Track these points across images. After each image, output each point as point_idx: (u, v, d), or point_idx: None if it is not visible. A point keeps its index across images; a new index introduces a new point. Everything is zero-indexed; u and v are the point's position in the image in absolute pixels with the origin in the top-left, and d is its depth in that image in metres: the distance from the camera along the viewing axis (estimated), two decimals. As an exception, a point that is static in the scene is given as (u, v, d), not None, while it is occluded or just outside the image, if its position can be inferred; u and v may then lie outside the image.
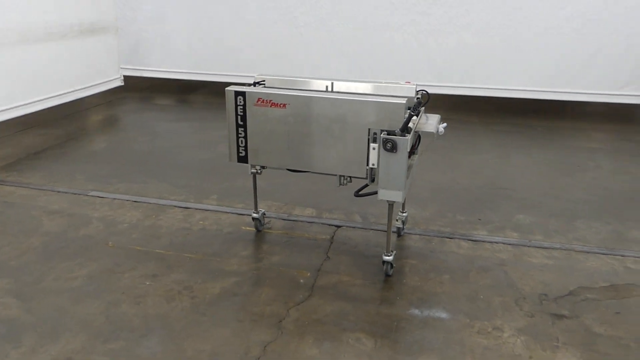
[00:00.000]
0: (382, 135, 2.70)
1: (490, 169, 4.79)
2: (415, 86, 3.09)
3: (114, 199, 4.02)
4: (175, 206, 3.92)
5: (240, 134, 3.03)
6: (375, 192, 2.95)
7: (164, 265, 3.10)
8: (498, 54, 6.16)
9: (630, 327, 2.57)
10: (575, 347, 2.43)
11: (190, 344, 2.45)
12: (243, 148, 3.06)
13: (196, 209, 3.88)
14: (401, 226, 3.49)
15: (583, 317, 2.65)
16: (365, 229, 3.60)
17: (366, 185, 3.01)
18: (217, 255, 3.24)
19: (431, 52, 6.34)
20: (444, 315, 2.68)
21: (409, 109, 2.73)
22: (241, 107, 2.97)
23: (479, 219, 3.75)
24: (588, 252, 3.29)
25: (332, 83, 3.17)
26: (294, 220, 3.72)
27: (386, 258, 2.98)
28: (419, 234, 3.53)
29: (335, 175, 2.98)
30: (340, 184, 3.04)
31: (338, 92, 3.12)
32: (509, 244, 3.40)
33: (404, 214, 3.50)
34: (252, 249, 3.32)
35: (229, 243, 3.39)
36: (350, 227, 3.63)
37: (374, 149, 2.80)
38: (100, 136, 5.89)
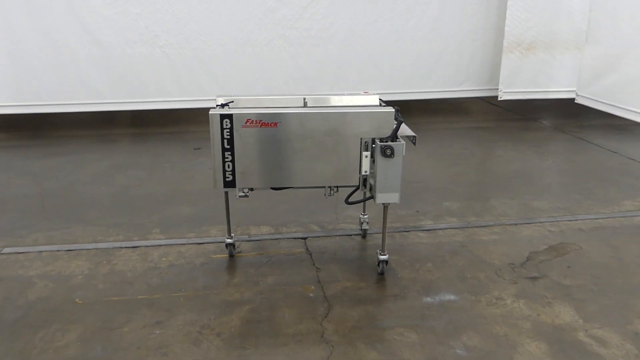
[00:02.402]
0: (379, 143, 2.90)
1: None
2: (377, 96, 3.36)
3: (40, 252, 3.47)
4: (122, 247, 3.55)
5: (227, 158, 2.94)
6: (367, 199, 3.15)
7: (161, 310, 2.84)
8: (360, 62, 6.74)
9: (584, 276, 3.21)
10: (561, 300, 2.96)
11: (254, 380, 2.34)
12: (230, 172, 2.97)
13: (147, 246, 3.57)
14: (367, 228, 3.72)
15: (550, 275, 3.22)
16: (330, 236, 3.75)
17: (353, 192, 3.19)
18: (209, 288, 3.07)
19: (302, 64, 6.65)
20: (452, 297, 3.00)
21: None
22: (227, 130, 2.88)
23: (417, 211, 4.18)
24: (516, 224, 3.94)
25: (305, 98, 3.25)
26: (257, 240, 3.68)
27: (382, 257, 3.19)
28: (379, 233, 3.79)
29: (324, 187, 3.09)
30: (327, 195, 3.16)
31: (325, 107, 3.17)
32: (455, 228, 3.88)
33: (366, 216, 3.73)
34: (241, 275, 3.22)
35: (211, 274, 3.23)
36: (315, 237, 3.74)
37: (366, 157, 2.99)
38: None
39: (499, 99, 6.69)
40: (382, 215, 3.14)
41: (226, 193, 3.31)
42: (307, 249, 3.56)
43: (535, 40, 6.43)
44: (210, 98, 6.53)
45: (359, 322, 2.76)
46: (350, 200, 3.23)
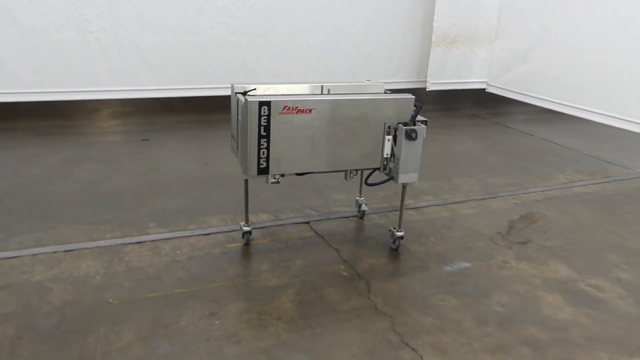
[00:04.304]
0: (404, 127, 3.12)
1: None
2: (382, 84, 3.57)
3: (35, 254, 3.17)
4: (126, 244, 3.37)
5: (262, 144, 2.96)
6: (386, 180, 3.36)
7: (207, 302, 2.80)
8: (300, 53, 6.88)
9: (558, 238, 3.75)
10: (552, 259, 3.44)
11: (337, 354, 2.45)
12: (264, 159, 2.99)
13: (153, 240, 3.43)
14: (366, 209, 3.93)
15: (533, 240, 3.70)
16: (330, 219, 3.89)
17: (371, 174, 3.40)
18: (242, 276, 3.07)
19: (243, 54, 6.61)
20: (467, 264, 3.33)
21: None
22: (265, 117, 2.90)
23: (395, 192, 4.48)
24: (484, 199, 4.42)
25: (322, 86, 3.35)
26: (263, 227, 3.71)
27: (399, 234, 3.43)
28: (374, 213, 4.03)
29: (349, 170, 3.24)
30: (348, 178, 3.33)
31: (355, 93, 3.25)
32: (436, 205, 4.24)
33: (362, 198, 3.94)
34: (267, 261, 3.24)
35: (237, 263, 3.22)
36: (316, 220, 3.86)
37: (388, 140, 3.20)
38: None
39: (427, 89, 7.24)
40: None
41: (246, 181, 3.31)
42: (315, 232, 3.67)
43: (458, 35, 7.06)
44: (147, 88, 6.33)
45: (401, 293, 2.97)
46: (369, 181, 3.42)
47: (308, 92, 3.30)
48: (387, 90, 3.49)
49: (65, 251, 3.23)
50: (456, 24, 6.99)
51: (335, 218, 3.91)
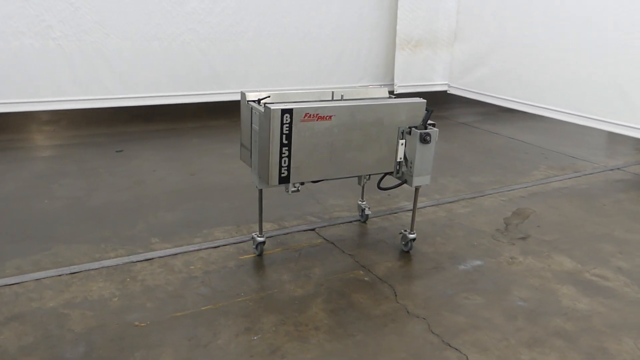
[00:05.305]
0: (419, 130, 3.16)
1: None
2: (386, 88, 3.61)
3: (38, 279, 2.95)
4: (134, 262, 3.20)
5: (284, 153, 2.90)
6: (399, 184, 3.39)
7: (238, 317, 2.71)
8: (270, 58, 6.81)
9: (553, 232, 3.93)
10: (554, 252, 3.60)
11: (385, 356, 2.44)
12: (285, 168, 2.94)
13: (162, 257, 3.28)
14: (369, 213, 3.95)
15: (531, 235, 3.86)
16: (334, 225, 3.88)
17: (382, 178, 3.43)
18: (266, 288, 3.00)
19: (212, 60, 6.46)
20: (479, 262, 3.43)
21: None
22: (287, 125, 2.86)
23: (388, 195, 4.53)
24: (474, 197, 4.56)
25: (333, 92, 3.34)
26: (270, 237, 3.63)
27: (411, 236, 3.47)
28: (375, 217, 4.06)
29: (363, 176, 3.25)
30: (361, 184, 3.35)
31: (370, 99, 3.30)
32: (432, 206, 4.33)
33: (364, 203, 3.96)
34: (286, 272, 3.19)
35: (256, 275, 3.15)
36: (321, 227, 3.83)
37: (402, 144, 3.23)
38: None
39: (395, 92, 7.37)
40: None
41: (260, 191, 3.24)
42: (325, 238, 3.65)
43: (421, 38, 7.24)
44: (114, 97, 6.06)
45: (427, 295, 3.01)
46: (381, 185, 3.45)
47: (321, 99, 3.27)
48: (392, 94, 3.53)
49: (71, 273, 3.03)
50: (419, 27, 7.17)
51: (339, 223, 3.90)
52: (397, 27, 7.08)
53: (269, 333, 2.59)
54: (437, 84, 7.72)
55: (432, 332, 2.66)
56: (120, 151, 5.33)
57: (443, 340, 2.60)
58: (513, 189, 4.78)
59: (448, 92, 7.78)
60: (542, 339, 2.65)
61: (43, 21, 5.43)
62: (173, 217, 3.86)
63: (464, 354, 2.51)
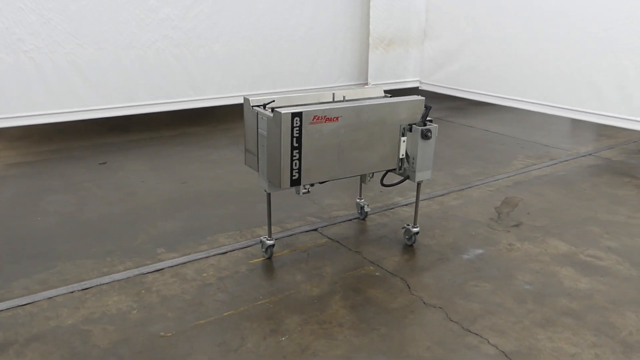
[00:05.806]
0: (420, 127, 3.27)
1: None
2: (381, 87, 3.70)
3: (50, 297, 2.89)
4: (144, 273, 3.17)
5: (295, 156, 2.95)
6: (402, 181, 3.48)
7: (262, 320, 2.74)
8: (245, 62, 6.81)
9: (543, 218, 4.11)
10: (548, 237, 3.78)
11: (413, 350, 2.53)
12: (296, 170, 2.99)
13: (172, 267, 3.27)
14: (369, 210, 4.03)
15: (523, 222, 4.03)
16: (335, 224, 3.95)
17: (385, 175, 3.52)
18: (282, 290, 3.04)
19: (188, 66, 6.41)
20: (480, 250, 3.56)
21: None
22: (297, 128, 2.90)
23: (380, 192, 4.64)
24: (462, 189, 4.71)
25: (334, 94, 3.39)
26: (275, 239, 3.65)
27: (415, 230, 3.57)
28: (373, 214, 4.15)
29: (367, 174, 3.33)
30: (366, 182, 3.43)
31: (373, 98, 3.40)
32: (425, 200, 4.45)
33: (362, 200, 4.04)
34: (298, 272, 3.23)
35: (269, 277, 3.18)
36: (323, 226, 3.89)
37: (404, 141, 3.33)
38: None
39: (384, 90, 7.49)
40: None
41: (269, 195, 3.27)
42: (329, 238, 3.71)
43: (393, 37, 7.40)
44: (91, 109, 5.93)
45: (438, 285, 3.11)
46: (384, 182, 3.54)
47: (323, 101, 3.33)
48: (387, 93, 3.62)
49: (83, 290, 2.98)
50: (391, 26, 7.32)
51: (340, 222, 3.97)
52: (370, 26, 7.21)
53: (295, 333, 2.63)
54: (409, 81, 7.89)
55: (451, 320, 2.77)
56: (104, 163, 5.23)
57: (463, 327, 2.71)
58: (497, 179, 4.96)
59: (420, 88, 7.96)
60: (553, 318, 2.80)
61: (13, 34, 5.27)
62: (173, 226, 3.84)
63: (485, 339, 2.62)
